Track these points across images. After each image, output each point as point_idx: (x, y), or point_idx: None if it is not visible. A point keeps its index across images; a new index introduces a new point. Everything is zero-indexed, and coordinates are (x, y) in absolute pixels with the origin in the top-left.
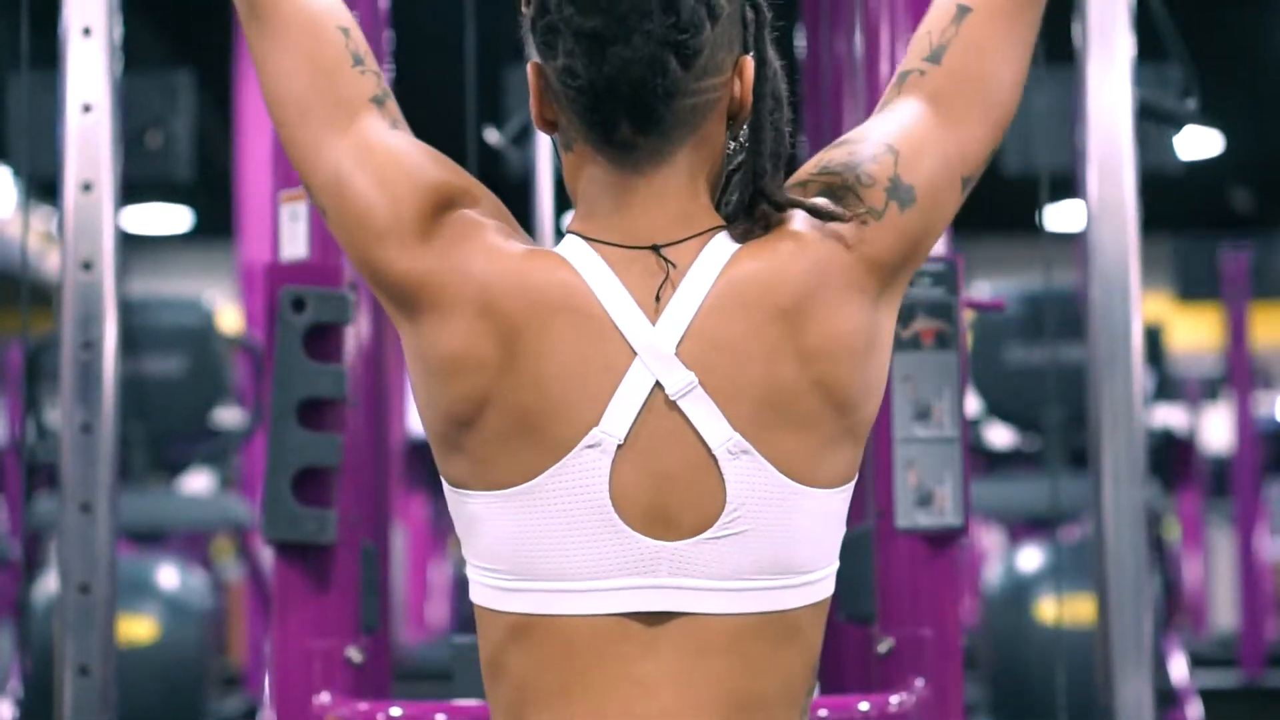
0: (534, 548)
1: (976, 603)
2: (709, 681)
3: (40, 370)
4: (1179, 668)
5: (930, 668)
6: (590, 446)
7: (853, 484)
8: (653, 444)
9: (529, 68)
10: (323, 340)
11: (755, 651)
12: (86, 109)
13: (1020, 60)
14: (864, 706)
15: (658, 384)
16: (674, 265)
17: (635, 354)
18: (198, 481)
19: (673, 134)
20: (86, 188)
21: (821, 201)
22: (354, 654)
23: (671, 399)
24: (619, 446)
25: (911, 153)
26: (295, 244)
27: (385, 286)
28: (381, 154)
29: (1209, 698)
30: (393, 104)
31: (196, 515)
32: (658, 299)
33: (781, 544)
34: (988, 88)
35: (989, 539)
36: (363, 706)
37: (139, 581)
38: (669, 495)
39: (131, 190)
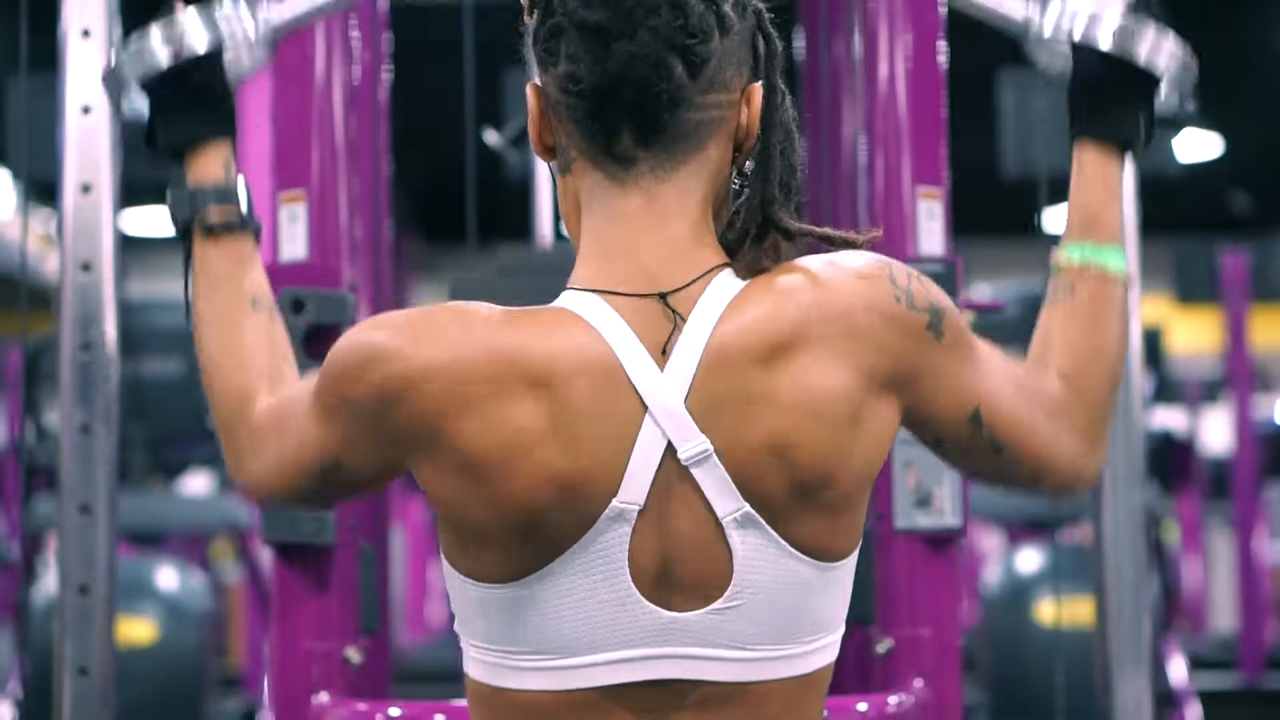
0: (548, 625)
1: (976, 604)
2: None
3: (39, 372)
4: (1178, 670)
5: (929, 669)
6: (613, 518)
7: (857, 553)
8: (665, 511)
9: (529, 90)
10: (322, 341)
11: (772, 713)
12: (86, 111)
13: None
14: (862, 707)
15: (670, 445)
16: (683, 319)
17: (646, 409)
18: (197, 483)
19: (675, 148)
20: (86, 189)
21: (834, 230)
22: (353, 655)
23: (684, 465)
24: (640, 512)
25: (976, 340)
26: (294, 245)
27: (462, 465)
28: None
29: (1208, 700)
30: (288, 369)
31: (196, 517)
32: (664, 352)
33: (789, 614)
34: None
35: (988, 541)
36: (361, 707)
37: (138, 583)
38: (679, 564)
39: (131, 192)
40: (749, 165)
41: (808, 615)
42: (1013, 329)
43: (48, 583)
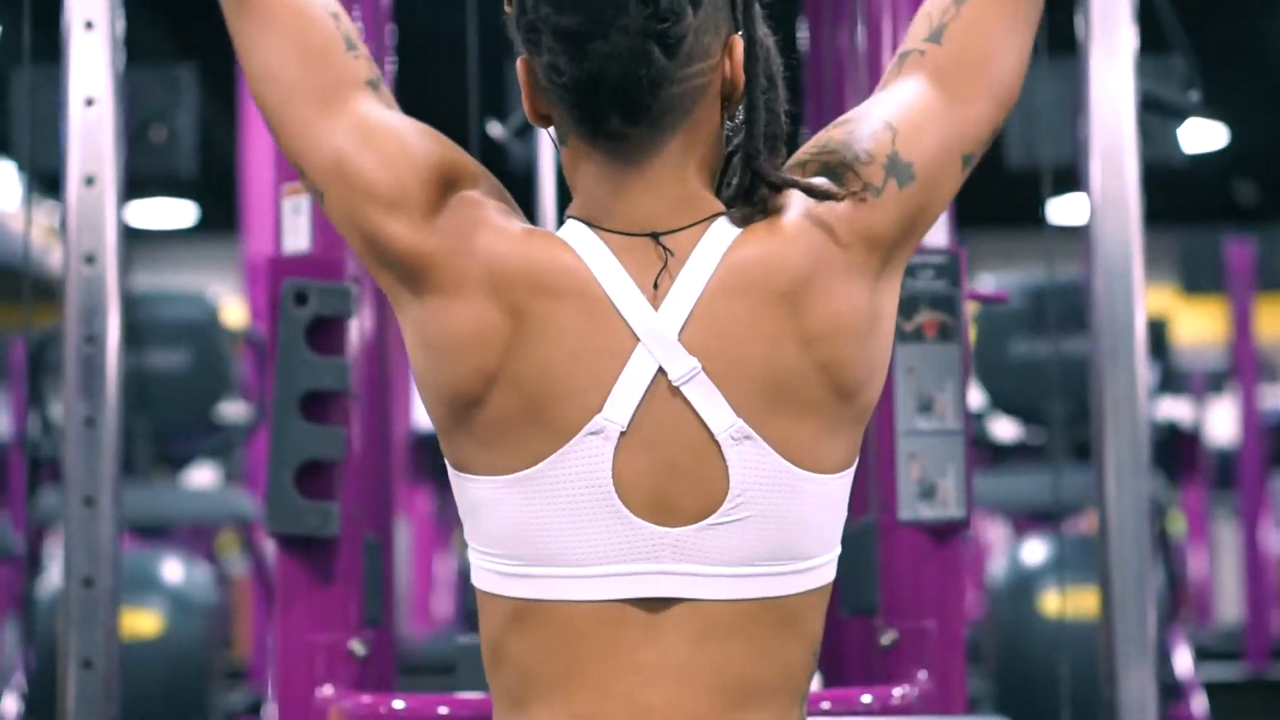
0: (536, 533)
1: (981, 595)
2: (710, 669)
3: (44, 364)
4: (1184, 660)
5: (933, 660)
6: (593, 433)
7: (853, 469)
8: (656, 430)
9: (518, 64)
10: (325, 333)
11: (756, 639)
12: (89, 103)
13: (1023, 38)
14: (867, 699)
15: (660, 370)
16: (672, 254)
17: (638, 340)
18: (202, 475)
19: (663, 122)
20: (89, 182)
21: (819, 181)
22: (357, 647)
23: (674, 385)
24: (622, 433)
25: (910, 130)
26: (298, 237)
27: (390, 263)
28: (382, 132)
29: (1214, 690)
30: (386, 89)
31: (201, 509)
32: (655, 286)
33: (784, 530)
34: (989, 65)
35: (993, 532)
36: (366, 699)
37: (144, 576)
38: (672, 481)
39: (135, 184)
40: (739, 113)
41: (805, 531)
42: (1018, 320)
43: (52, 575)
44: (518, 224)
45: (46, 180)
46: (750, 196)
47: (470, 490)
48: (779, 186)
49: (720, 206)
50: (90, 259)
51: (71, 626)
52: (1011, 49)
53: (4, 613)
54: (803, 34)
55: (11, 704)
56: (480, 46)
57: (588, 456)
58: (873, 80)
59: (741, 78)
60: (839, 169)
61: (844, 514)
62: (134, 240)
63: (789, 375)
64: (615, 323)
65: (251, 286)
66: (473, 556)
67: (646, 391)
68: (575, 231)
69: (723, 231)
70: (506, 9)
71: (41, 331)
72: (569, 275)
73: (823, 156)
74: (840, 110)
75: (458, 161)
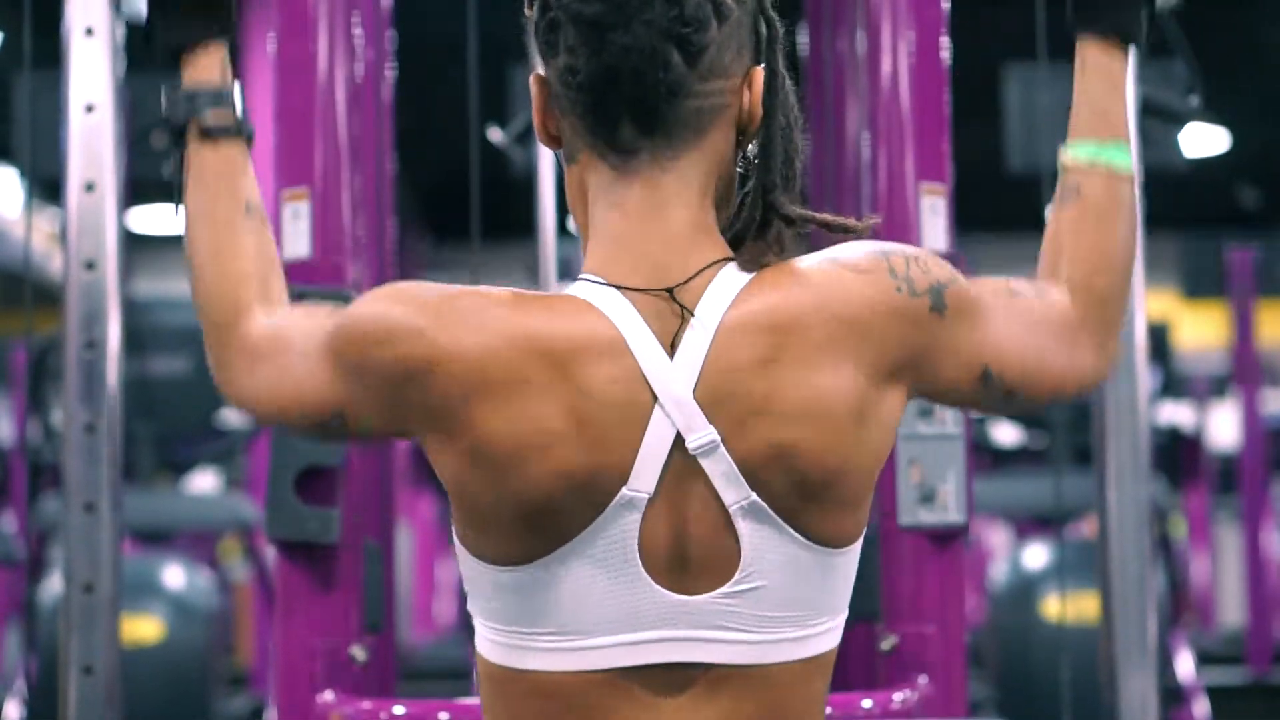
0: (563, 606)
1: (982, 600)
2: None
3: (45, 370)
4: (1185, 665)
5: (934, 665)
6: (623, 505)
7: (861, 541)
8: (677, 498)
9: (531, 80)
10: None
11: (768, 702)
12: (89, 109)
13: (1083, 360)
14: (867, 704)
15: (679, 435)
16: (691, 314)
17: (656, 399)
18: (204, 481)
19: (676, 137)
20: (90, 188)
21: (832, 217)
22: (358, 653)
23: (692, 453)
24: (649, 501)
25: (979, 297)
26: (297, 243)
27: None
28: (300, 369)
29: (1216, 695)
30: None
31: (203, 515)
32: (673, 344)
33: (794, 600)
34: (1059, 355)
35: (995, 536)
36: (366, 705)
37: (145, 581)
38: (688, 549)
39: (136, 190)
40: (753, 149)
41: (814, 599)
42: None
43: (54, 582)
44: (521, 295)
45: (47, 186)
46: (763, 232)
47: (500, 577)
48: (794, 220)
49: (727, 250)
50: (91, 265)
51: (72, 632)
52: (1070, 365)
53: (5, 619)
54: (803, 39)
55: (13, 710)
56: (481, 52)
57: (620, 528)
58: (872, 86)
59: (759, 110)
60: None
61: (852, 580)
62: (134, 246)
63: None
64: (640, 383)
65: None
66: (482, 629)
67: (669, 457)
68: (597, 293)
69: (729, 280)
70: (527, 11)
71: (43, 337)
72: (596, 337)
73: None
74: (840, 116)
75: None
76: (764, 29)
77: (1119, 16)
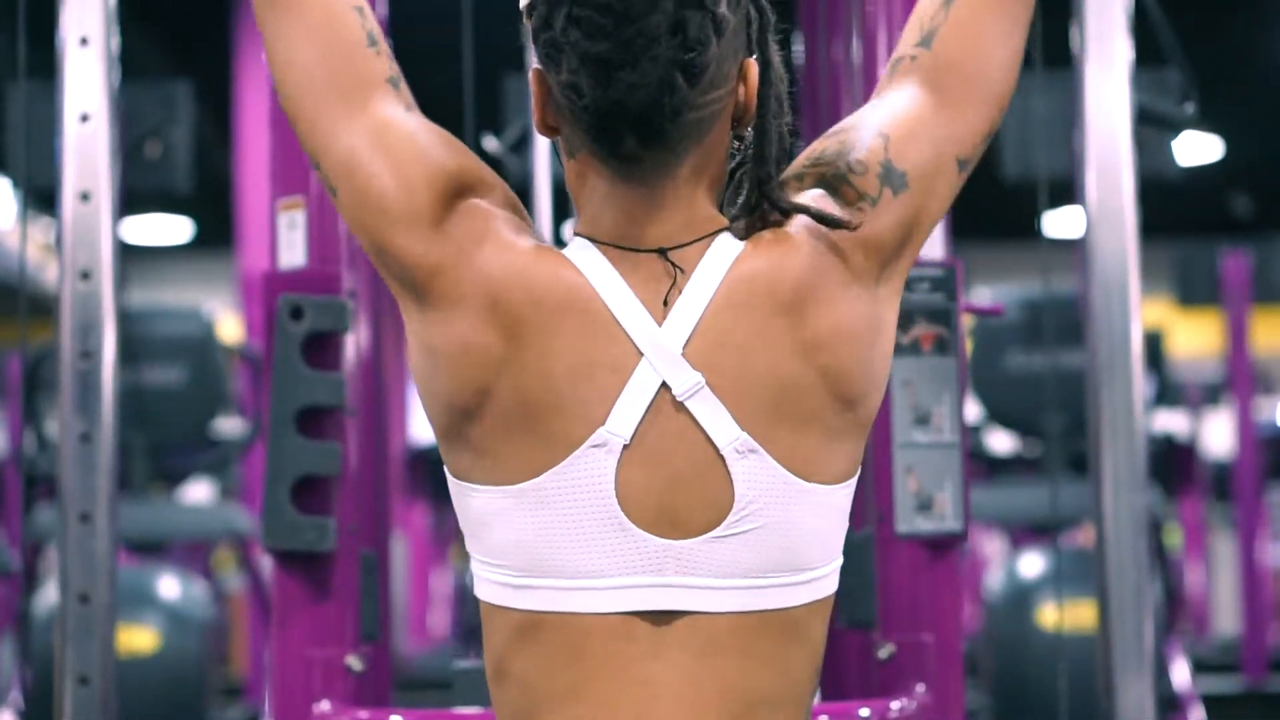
0: (540, 545)
1: (978, 609)
2: (716, 682)
3: (40, 380)
4: (1181, 673)
5: (931, 673)
6: (596, 446)
7: (855, 479)
8: (659, 444)
9: (531, 73)
10: (321, 348)
11: (761, 651)
12: (84, 119)
13: (1013, 40)
14: (864, 712)
15: (664, 385)
16: (682, 270)
17: (642, 355)
18: (199, 491)
19: (678, 146)
20: (85, 198)
21: (827, 209)
22: (354, 662)
23: (679, 399)
24: (625, 446)
25: (902, 136)
26: (293, 252)
27: (395, 271)
28: (397, 136)
29: (1211, 703)
30: (405, 87)
31: (197, 525)
32: (665, 303)
33: (788, 541)
34: (979, 68)
35: (991, 545)
36: (362, 715)
37: (140, 592)
38: (676, 495)
39: (131, 200)
40: (747, 134)
41: (808, 542)
42: (1015, 333)
43: (49, 592)
44: (525, 239)
45: (42, 196)
46: (755, 212)
47: (472, 501)
48: (788, 211)
49: (723, 221)
50: (85, 275)
51: (68, 643)
52: (1002, 50)
53: (0, 629)
54: (798, 47)
55: None
56: (476, 60)
57: (590, 469)
58: (868, 90)
59: (754, 102)
60: (834, 180)
61: (846, 523)
62: (129, 256)
63: (792, 387)
64: (618, 338)
65: (247, 302)
66: (476, 569)
67: (650, 406)
68: (580, 249)
69: (726, 246)
70: (526, 21)
71: (37, 347)
72: (570, 291)
73: (818, 169)
74: (836, 120)
75: (471, 169)
76: (754, 15)
77: None
